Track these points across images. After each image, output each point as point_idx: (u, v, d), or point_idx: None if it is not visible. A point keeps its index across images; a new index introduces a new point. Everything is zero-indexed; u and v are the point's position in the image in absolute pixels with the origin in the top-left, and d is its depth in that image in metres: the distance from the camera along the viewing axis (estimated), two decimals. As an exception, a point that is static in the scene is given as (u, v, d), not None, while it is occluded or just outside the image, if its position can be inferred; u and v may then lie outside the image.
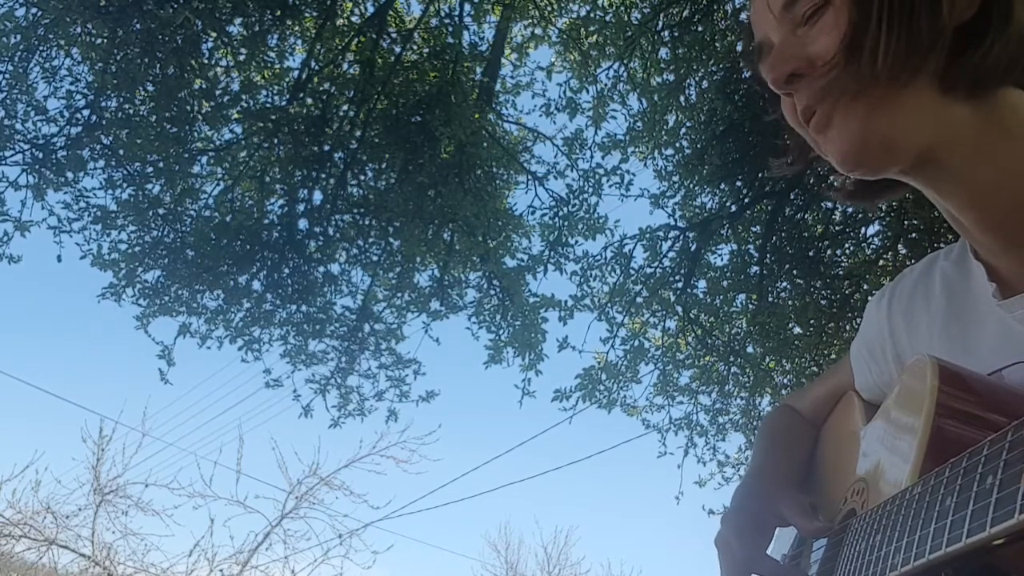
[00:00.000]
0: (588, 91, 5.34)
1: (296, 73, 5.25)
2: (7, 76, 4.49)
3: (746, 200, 5.30)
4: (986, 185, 0.69)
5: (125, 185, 4.95)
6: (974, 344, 0.77)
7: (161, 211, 5.07)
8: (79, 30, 4.47)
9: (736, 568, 0.88)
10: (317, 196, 5.40)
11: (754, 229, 5.56)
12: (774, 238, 5.38)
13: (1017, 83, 0.68)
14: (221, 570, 9.37)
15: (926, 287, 0.86)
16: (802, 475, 1.03)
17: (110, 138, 4.75)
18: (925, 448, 0.67)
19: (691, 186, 5.35)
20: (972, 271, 0.80)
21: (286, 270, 5.33)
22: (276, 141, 5.13)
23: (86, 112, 4.71)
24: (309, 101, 5.29)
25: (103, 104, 4.73)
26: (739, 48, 4.62)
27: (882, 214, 4.95)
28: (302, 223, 5.35)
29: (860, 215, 5.09)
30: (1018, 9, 0.66)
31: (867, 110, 0.67)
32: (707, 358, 5.80)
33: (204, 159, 5.19)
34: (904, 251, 5.09)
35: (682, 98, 5.12)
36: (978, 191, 0.70)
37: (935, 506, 0.56)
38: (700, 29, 4.89)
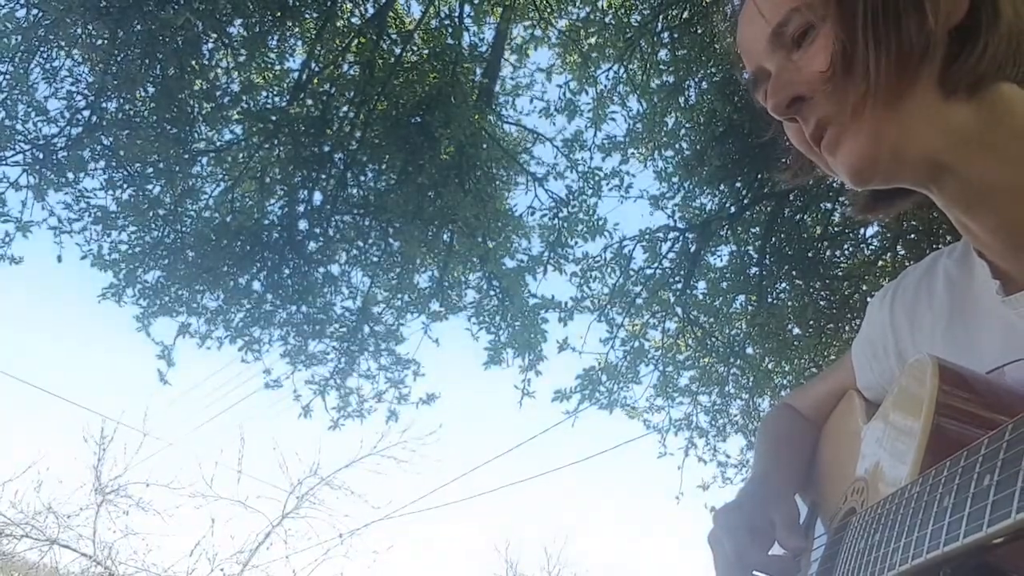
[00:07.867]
0: (588, 93, 5.34)
1: (296, 74, 5.25)
2: (8, 77, 4.49)
3: (745, 201, 5.31)
4: (992, 184, 0.70)
5: (125, 186, 4.94)
6: (977, 341, 0.77)
7: (161, 212, 5.06)
8: (80, 31, 4.47)
9: (728, 565, 0.89)
10: (317, 197, 5.40)
11: (753, 230, 5.57)
12: (773, 239, 5.39)
13: (1014, 79, 0.69)
14: (222, 569, 9.37)
15: (929, 285, 0.87)
16: (804, 476, 1.04)
17: (110, 139, 4.74)
18: (925, 448, 0.68)
19: (691, 187, 5.36)
20: (975, 269, 0.80)
21: (286, 271, 5.33)
22: (276, 142, 5.12)
23: (87, 113, 4.70)
24: (309, 102, 5.28)
25: (104, 105, 4.73)
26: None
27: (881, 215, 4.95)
28: (302, 224, 5.34)
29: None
30: (1007, 6, 0.67)
31: (872, 124, 0.68)
32: (707, 359, 5.80)
33: (204, 160, 5.18)
34: (903, 252, 5.10)
35: (682, 99, 5.12)
36: (985, 191, 0.71)
37: (933, 505, 0.57)
38: (699, 31, 4.90)
